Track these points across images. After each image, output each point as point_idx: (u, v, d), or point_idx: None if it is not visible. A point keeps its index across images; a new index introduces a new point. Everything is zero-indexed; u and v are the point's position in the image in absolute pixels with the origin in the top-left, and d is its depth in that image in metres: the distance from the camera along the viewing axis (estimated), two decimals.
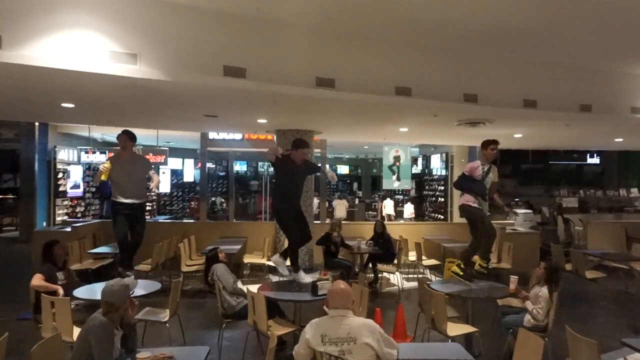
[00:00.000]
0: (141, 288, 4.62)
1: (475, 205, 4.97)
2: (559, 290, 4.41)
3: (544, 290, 4.35)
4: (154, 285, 4.74)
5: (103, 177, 4.87)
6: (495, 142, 5.04)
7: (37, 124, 11.81)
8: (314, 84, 5.37)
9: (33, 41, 4.11)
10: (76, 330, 3.76)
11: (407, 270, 8.59)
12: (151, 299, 4.90)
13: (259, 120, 7.56)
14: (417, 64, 6.05)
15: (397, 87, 5.86)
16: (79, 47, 4.26)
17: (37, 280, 4.30)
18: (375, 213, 17.63)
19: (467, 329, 4.35)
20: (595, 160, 15.73)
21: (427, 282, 5.03)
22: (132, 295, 4.32)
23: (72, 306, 4.49)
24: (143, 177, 5.15)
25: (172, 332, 4.87)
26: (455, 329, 4.29)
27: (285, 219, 4.84)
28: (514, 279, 4.69)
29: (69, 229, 8.05)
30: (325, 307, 4.38)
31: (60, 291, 4.34)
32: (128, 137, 5.04)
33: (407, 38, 5.71)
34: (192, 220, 13.81)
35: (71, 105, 6.16)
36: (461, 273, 4.99)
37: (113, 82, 4.64)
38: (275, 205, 4.96)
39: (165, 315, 4.62)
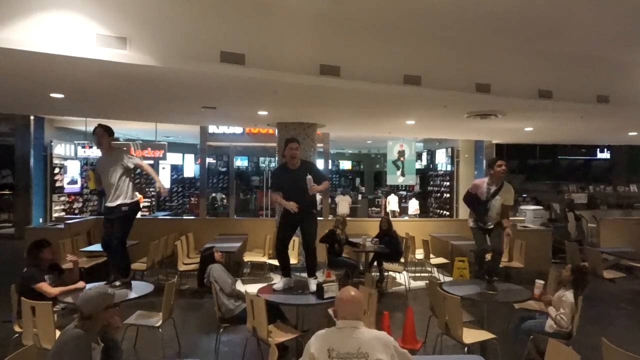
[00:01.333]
0: (133, 290, 4.30)
1: (472, 224, 4.67)
2: (585, 294, 4.07)
3: (567, 295, 4.03)
4: (146, 287, 4.40)
5: (91, 185, 4.42)
6: (502, 159, 4.72)
7: (32, 118, 11.51)
8: (318, 72, 5.02)
9: (13, 22, 3.76)
10: None
11: (413, 268, 8.26)
12: (146, 299, 4.59)
13: (260, 112, 7.22)
14: (427, 52, 5.69)
15: (406, 76, 5.51)
16: (63, 30, 3.92)
17: (50, 287, 4.07)
18: (378, 209, 17.32)
19: (484, 335, 4.02)
20: (605, 155, 15.33)
21: (439, 283, 4.71)
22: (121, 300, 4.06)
23: (57, 309, 4.22)
24: (120, 173, 4.43)
25: (166, 337, 4.56)
26: (471, 335, 3.97)
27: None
28: (539, 283, 4.37)
29: (61, 226, 7.75)
30: (330, 310, 4.03)
31: (81, 285, 4.19)
32: (104, 131, 4.46)
33: (417, 24, 5.35)
34: (190, 217, 13.53)
35: (60, 96, 5.83)
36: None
37: (101, 68, 4.30)
38: None
39: (157, 320, 4.30)
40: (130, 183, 4.49)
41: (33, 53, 3.85)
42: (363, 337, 2.29)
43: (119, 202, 4.41)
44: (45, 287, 4.03)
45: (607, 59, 6.59)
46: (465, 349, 3.85)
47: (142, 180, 16.64)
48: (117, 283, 4.41)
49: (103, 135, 4.47)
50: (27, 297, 3.86)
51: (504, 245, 4.79)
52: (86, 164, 13.52)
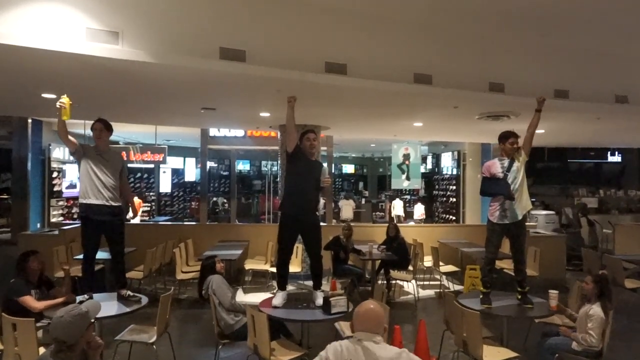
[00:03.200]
0: (124, 305, 3.99)
1: (494, 219, 4.29)
2: (614, 306, 3.74)
3: (595, 309, 3.70)
4: (137, 302, 4.07)
5: (65, 117, 3.79)
6: (514, 135, 4.28)
7: (29, 121, 11.26)
8: (323, 70, 4.74)
9: None
10: None
11: (422, 276, 7.93)
12: (142, 310, 4.30)
13: (262, 114, 6.93)
14: (439, 49, 5.40)
15: (416, 75, 5.22)
16: (50, 23, 3.65)
17: (35, 302, 3.75)
18: (382, 213, 17.02)
19: (505, 353, 3.70)
20: (616, 158, 14.96)
21: (451, 292, 4.38)
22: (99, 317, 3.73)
23: (43, 324, 3.91)
24: (118, 176, 4.24)
25: (162, 353, 4.25)
26: (492, 353, 3.64)
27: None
28: (553, 294, 4.04)
29: (56, 232, 7.46)
30: (336, 325, 3.68)
31: (68, 299, 3.84)
32: (104, 126, 4.15)
33: (427, 20, 5.08)
34: (190, 222, 13.23)
35: (52, 96, 5.54)
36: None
37: (92, 64, 4.03)
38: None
39: (152, 335, 3.99)
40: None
41: (18, 47, 3.58)
42: (382, 354, 2.02)
43: (120, 203, 4.18)
44: (29, 300, 3.73)
45: (627, 56, 6.30)
46: None
47: (142, 184, 16.39)
48: (130, 293, 4.16)
49: (102, 131, 4.15)
50: (11, 310, 3.57)
51: (526, 255, 4.44)
52: None
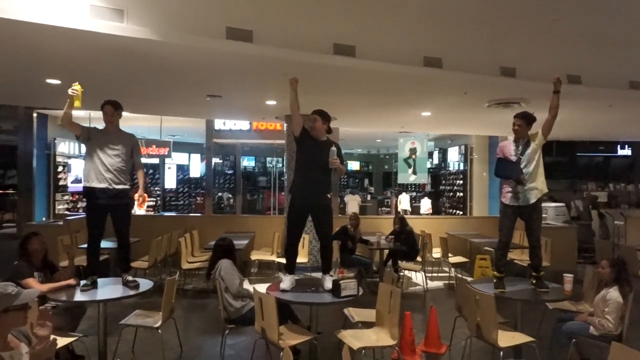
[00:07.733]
0: (129, 289, 3.90)
1: (505, 201, 4.15)
2: (633, 290, 3.62)
3: (612, 293, 3.59)
4: (146, 284, 3.99)
5: (77, 103, 3.64)
6: (517, 116, 4.10)
7: (35, 115, 11.24)
8: (332, 51, 4.64)
9: None
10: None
11: (430, 268, 7.81)
12: (148, 298, 4.21)
13: (268, 102, 6.84)
14: (449, 32, 5.28)
15: (426, 58, 5.11)
16: None
17: (38, 284, 3.66)
18: (388, 209, 16.92)
19: (520, 338, 3.59)
20: (626, 151, 14.71)
21: (468, 281, 4.26)
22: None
23: (50, 307, 3.85)
24: (128, 158, 4.07)
25: (167, 339, 4.18)
26: (506, 338, 3.53)
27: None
28: (568, 278, 3.92)
29: (60, 223, 7.42)
30: (345, 311, 3.68)
31: (72, 282, 3.81)
32: (113, 108, 4.00)
33: (438, 2, 4.95)
34: (195, 214, 13.18)
35: (57, 82, 5.48)
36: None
37: (95, 43, 3.95)
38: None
39: (157, 320, 3.91)
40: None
41: (21, 22, 3.50)
42: None
43: (126, 186, 4.02)
44: (32, 283, 3.66)
45: None
46: (501, 353, 3.41)
47: (147, 179, 16.37)
48: (130, 278, 4.03)
49: (112, 114, 4.01)
50: None
51: (541, 239, 4.30)
52: None
